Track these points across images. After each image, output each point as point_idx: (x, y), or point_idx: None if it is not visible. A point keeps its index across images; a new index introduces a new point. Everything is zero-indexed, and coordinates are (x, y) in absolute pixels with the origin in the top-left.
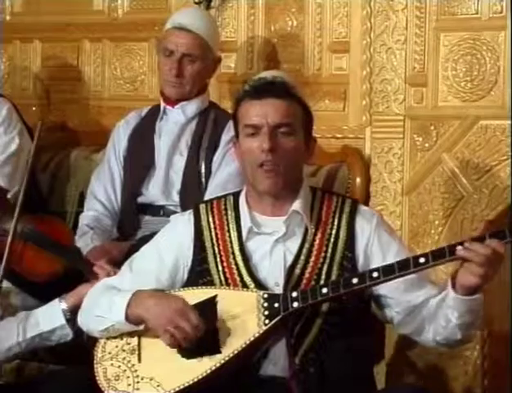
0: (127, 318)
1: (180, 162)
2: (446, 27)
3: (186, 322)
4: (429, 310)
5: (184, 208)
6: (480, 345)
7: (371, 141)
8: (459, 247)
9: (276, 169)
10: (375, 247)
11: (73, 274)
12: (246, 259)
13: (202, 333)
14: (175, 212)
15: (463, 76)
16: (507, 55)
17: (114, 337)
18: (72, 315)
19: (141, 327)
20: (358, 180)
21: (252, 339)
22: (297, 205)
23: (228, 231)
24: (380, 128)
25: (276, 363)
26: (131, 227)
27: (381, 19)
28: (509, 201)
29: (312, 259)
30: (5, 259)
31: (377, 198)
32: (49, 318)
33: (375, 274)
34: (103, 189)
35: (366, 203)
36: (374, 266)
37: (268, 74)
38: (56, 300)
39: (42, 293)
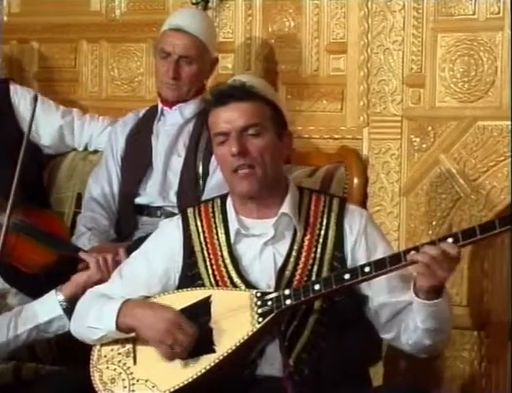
0: (117, 327)
1: (177, 163)
2: (443, 28)
3: (183, 333)
4: (407, 315)
5: (181, 209)
6: (478, 345)
7: (369, 141)
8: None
9: (251, 172)
10: (362, 247)
11: (67, 267)
12: (236, 262)
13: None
14: (173, 213)
15: (460, 77)
16: (506, 56)
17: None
18: (69, 305)
19: (133, 335)
20: (356, 181)
21: (245, 338)
22: (286, 207)
23: (217, 234)
24: (378, 128)
25: (273, 363)
26: (128, 228)
27: (378, 20)
28: (507, 202)
29: (302, 260)
30: None
31: (374, 199)
32: (46, 309)
33: (367, 269)
34: (100, 190)
35: (364, 204)
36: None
37: (230, 80)
38: (53, 292)
39: (38, 290)
